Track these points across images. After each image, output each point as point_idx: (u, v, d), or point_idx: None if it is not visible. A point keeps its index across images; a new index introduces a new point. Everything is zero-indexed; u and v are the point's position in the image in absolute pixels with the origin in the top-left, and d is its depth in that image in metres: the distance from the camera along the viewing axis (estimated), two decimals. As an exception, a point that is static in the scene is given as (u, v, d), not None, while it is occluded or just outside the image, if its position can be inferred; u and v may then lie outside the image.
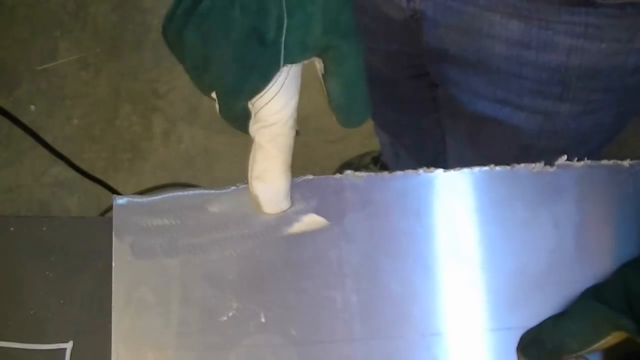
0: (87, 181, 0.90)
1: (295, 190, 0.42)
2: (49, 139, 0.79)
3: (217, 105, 0.37)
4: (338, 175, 0.42)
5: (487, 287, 0.41)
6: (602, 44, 0.49)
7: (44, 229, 0.49)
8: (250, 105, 0.37)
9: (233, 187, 0.42)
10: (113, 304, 0.40)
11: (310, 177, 0.42)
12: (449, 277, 0.41)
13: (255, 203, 0.40)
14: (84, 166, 0.87)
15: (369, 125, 1.31)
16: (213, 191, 0.42)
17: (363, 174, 0.42)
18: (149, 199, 0.42)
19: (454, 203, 0.42)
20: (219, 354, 0.40)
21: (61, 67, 1.58)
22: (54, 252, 0.48)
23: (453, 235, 0.41)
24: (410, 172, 0.42)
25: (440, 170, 0.42)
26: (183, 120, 1.50)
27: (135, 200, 0.42)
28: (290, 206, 0.40)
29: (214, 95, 0.37)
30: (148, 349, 0.40)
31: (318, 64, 0.37)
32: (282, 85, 0.36)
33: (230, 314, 0.40)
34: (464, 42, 0.55)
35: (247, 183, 0.42)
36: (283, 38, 0.34)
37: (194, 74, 0.36)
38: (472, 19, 0.52)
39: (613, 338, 0.37)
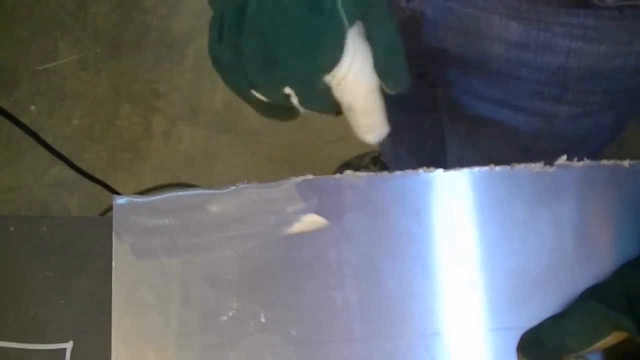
0: (87, 181, 0.90)
1: (295, 190, 0.42)
2: (49, 139, 0.79)
3: (295, 100, 0.36)
4: (338, 175, 0.42)
5: (486, 287, 0.41)
6: (601, 46, 0.49)
7: (44, 229, 0.49)
8: (330, 78, 0.36)
9: (233, 187, 0.42)
10: (113, 304, 0.41)
11: (310, 177, 0.42)
12: (448, 277, 0.41)
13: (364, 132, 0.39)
14: (84, 166, 0.87)
15: (369, 125, 1.31)
16: (213, 191, 0.42)
17: (363, 174, 0.42)
18: (149, 199, 0.42)
19: (453, 203, 0.42)
20: (219, 354, 0.40)
21: (61, 67, 1.58)
22: (54, 252, 0.48)
23: (453, 235, 0.41)
24: (410, 172, 0.42)
25: (439, 170, 0.42)
26: (183, 120, 1.50)
27: (135, 200, 0.42)
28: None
29: (287, 90, 0.36)
30: (148, 349, 0.40)
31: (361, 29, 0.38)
32: (354, 47, 0.36)
33: (230, 314, 0.40)
34: (463, 43, 0.55)
35: (246, 183, 0.42)
36: (339, 3, 0.35)
37: (261, 78, 0.36)
38: (471, 20, 0.52)
39: (613, 338, 0.37)
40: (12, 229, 0.49)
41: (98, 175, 0.92)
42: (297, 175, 0.42)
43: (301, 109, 0.37)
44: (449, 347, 0.40)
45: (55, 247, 0.48)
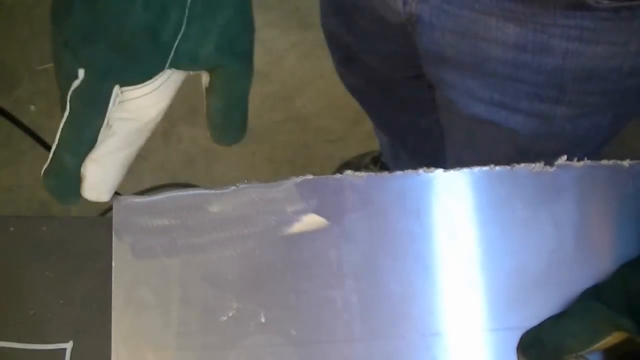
0: (87, 181, 0.90)
1: (295, 190, 0.42)
2: (49, 139, 0.79)
3: (76, 83, 0.35)
4: (338, 175, 0.42)
5: (486, 287, 0.41)
6: (598, 47, 0.49)
7: (44, 229, 0.49)
8: (116, 92, 0.36)
9: (233, 187, 0.42)
10: (113, 304, 0.40)
11: (310, 177, 0.42)
12: (448, 277, 0.41)
13: (81, 182, 0.38)
14: (84, 166, 0.87)
15: (369, 125, 1.31)
16: (213, 191, 0.42)
17: (363, 174, 0.42)
18: (149, 199, 0.42)
19: (453, 203, 0.42)
20: (219, 354, 0.40)
21: (61, 67, 1.58)
22: (54, 252, 0.48)
23: (453, 235, 0.41)
24: (410, 172, 0.42)
25: (440, 170, 0.42)
26: (183, 120, 1.50)
27: (135, 200, 0.42)
28: (109, 199, 0.39)
29: (80, 72, 0.35)
30: (148, 349, 0.40)
31: (204, 77, 0.38)
32: (159, 86, 0.36)
33: (230, 314, 0.40)
34: (460, 45, 0.55)
35: (246, 183, 0.42)
36: (176, 43, 0.35)
37: (62, 40, 0.36)
38: (468, 23, 0.52)
39: (613, 338, 0.37)
40: (12, 229, 0.49)
41: (98, 175, 0.92)
42: (297, 175, 0.42)
43: (67, 100, 0.36)
44: (449, 347, 0.40)
45: (55, 247, 0.48)
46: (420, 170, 0.42)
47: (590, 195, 0.42)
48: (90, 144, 0.37)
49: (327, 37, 0.79)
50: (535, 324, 0.40)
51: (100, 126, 0.36)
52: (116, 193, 0.40)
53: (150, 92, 0.36)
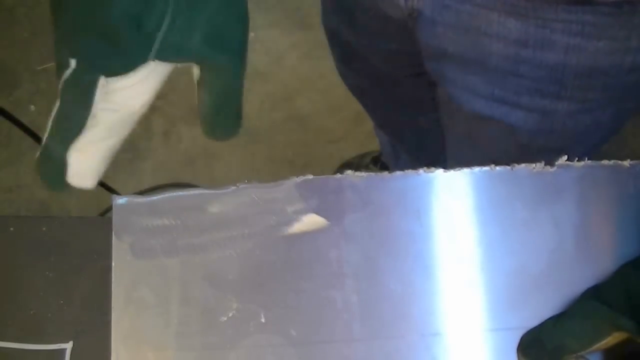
0: (87, 181, 0.90)
1: (295, 190, 0.42)
2: (49, 139, 0.79)
3: (67, 73, 0.36)
4: (338, 175, 0.42)
5: (486, 287, 0.41)
6: (599, 42, 0.49)
7: (44, 229, 0.49)
8: (102, 83, 0.36)
9: (233, 187, 0.42)
10: (113, 304, 0.40)
11: (310, 177, 0.42)
12: (448, 277, 0.41)
13: (58, 170, 0.38)
14: (84, 166, 0.87)
15: (369, 125, 1.31)
16: (213, 191, 0.42)
17: (363, 174, 0.42)
18: (149, 199, 0.42)
19: (453, 203, 0.42)
20: (219, 354, 0.40)
21: (61, 67, 1.58)
22: (54, 252, 0.48)
23: (453, 235, 0.41)
24: (410, 172, 0.42)
25: (440, 170, 0.42)
26: (183, 120, 1.50)
27: (135, 200, 0.42)
28: (94, 186, 0.39)
29: (72, 62, 0.35)
30: (148, 349, 0.40)
31: (195, 70, 0.38)
32: (143, 78, 0.36)
33: (230, 314, 0.40)
34: (462, 40, 0.55)
35: (246, 183, 0.42)
36: (160, 34, 0.35)
37: (58, 34, 0.36)
38: (469, 18, 0.52)
39: (614, 338, 0.37)
40: (12, 229, 0.49)
41: (98, 175, 0.92)
42: (297, 175, 0.42)
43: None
44: (449, 347, 0.40)
45: (55, 247, 0.48)
46: (420, 170, 0.42)
47: (591, 195, 0.42)
48: (75, 133, 0.37)
49: (328, 35, 0.79)
50: (535, 324, 0.40)
51: (87, 116, 0.36)
52: (116, 193, 0.40)
53: (134, 84, 0.36)
